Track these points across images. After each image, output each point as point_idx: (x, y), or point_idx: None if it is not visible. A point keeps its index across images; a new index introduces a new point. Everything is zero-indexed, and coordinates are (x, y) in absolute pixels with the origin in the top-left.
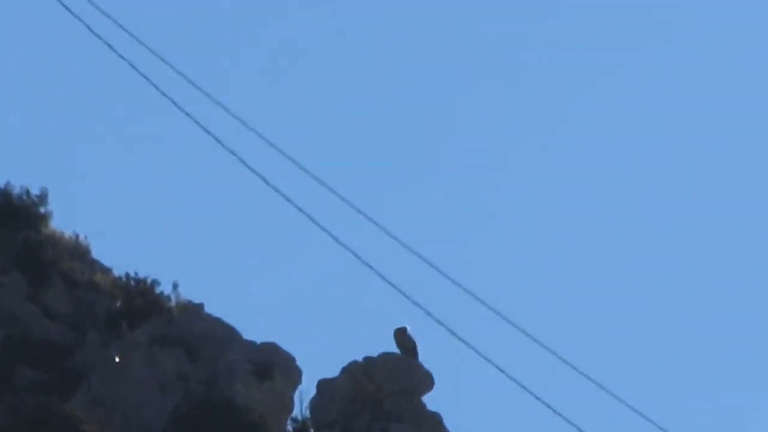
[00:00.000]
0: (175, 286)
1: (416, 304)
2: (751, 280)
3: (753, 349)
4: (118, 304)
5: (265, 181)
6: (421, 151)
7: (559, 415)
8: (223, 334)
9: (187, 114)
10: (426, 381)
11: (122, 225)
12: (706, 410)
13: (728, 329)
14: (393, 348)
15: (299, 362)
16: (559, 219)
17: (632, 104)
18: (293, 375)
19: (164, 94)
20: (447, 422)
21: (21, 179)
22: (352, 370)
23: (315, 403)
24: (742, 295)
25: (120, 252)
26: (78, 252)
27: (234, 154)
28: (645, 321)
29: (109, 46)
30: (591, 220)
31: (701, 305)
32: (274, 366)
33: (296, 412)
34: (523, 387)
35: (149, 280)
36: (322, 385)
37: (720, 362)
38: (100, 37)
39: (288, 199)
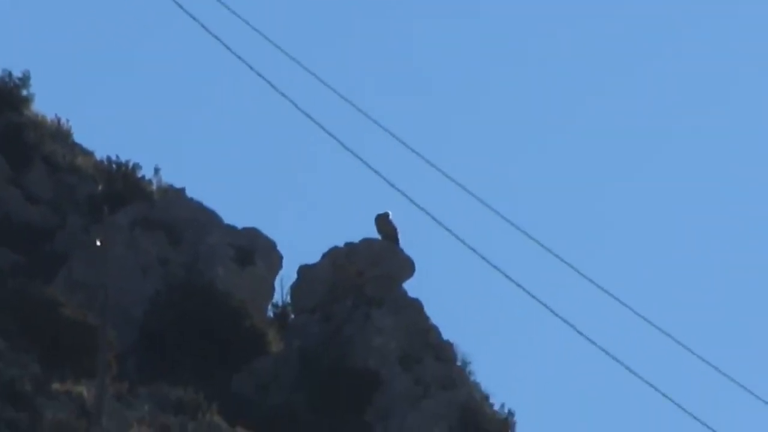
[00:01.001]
0: (156, 170)
1: (398, 190)
2: None
3: None
4: (100, 187)
5: (249, 66)
6: (408, 44)
7: (540, 302)
8: (204, 219)
9: None
10: (407, 267)
11: (104, 108)
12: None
13: None
14: (375, 234)
15: (280, 248)
16: (543, 103)
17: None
18: (274, 260)
19: None
20: (427, 309)
21: (3, 62)
22: (333, 255)
23: (296, 289)
24: None
25: (102, 135)
26: (60, 135)
27: (218, 39)
28: (630, 202)
29: None
30: (575, 104)
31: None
32: (255, 251)
33: (277, 298)
34: (504, 274)
35: (131, 164)
36: (303, 270)
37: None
38: None
39: (270, 84)
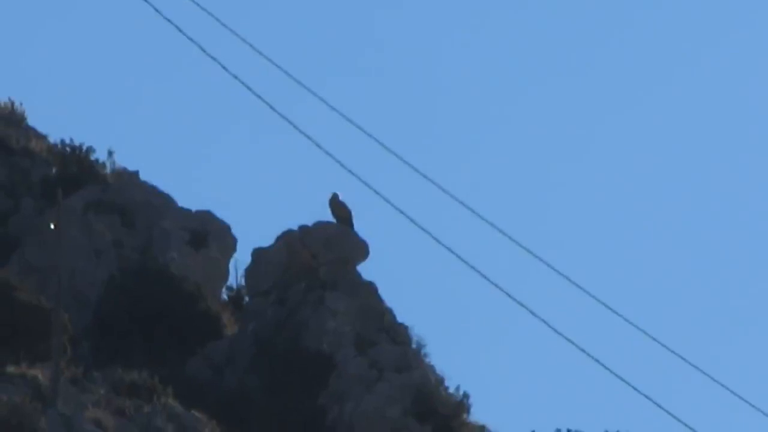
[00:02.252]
0: (110, 153)
1: (351, 172)
2: None
3: None
4: (54, 171)
5: (202, 50)
6: (365, 27)
7: (494, 284)
8: (158, 202)
9: None
10: (361, 250)
11: (58, 92)
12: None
13: None
14: (328, 217)
15: (234, 230)
16: (495, 88)
17: None
18: (228, 243)
19: None
20: (381, 291)
21: None
22: (287, 238)
23: (250, 272)
24: None
25: (55, 119)
26: (13, 119)
27: (169, 21)
28: (577, 180)
29: None
30: (526, 91)
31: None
32: (209, 234)
33: (231, 281)
34: (458, 256)
35: (84, 147)
36: (257, 253)
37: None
38: None
39: (222, 66)
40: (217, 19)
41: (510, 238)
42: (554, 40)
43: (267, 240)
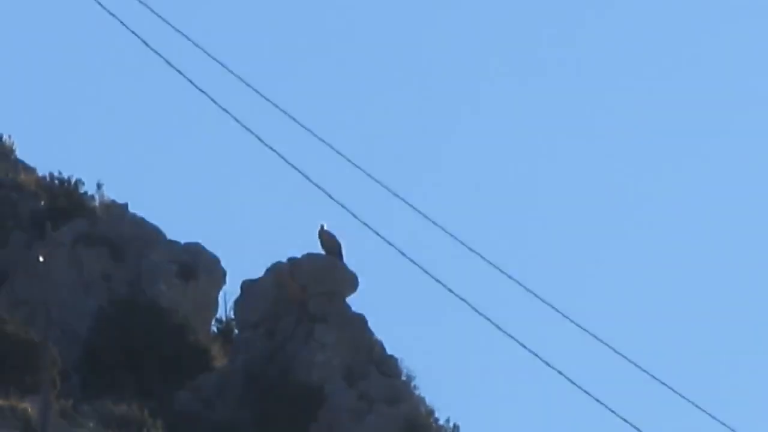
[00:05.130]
0: (99, 186)
1: (339, 204)
2: None
3: None
4: (42, 204)
5: (190, 81)
6: (333, 43)
7: (484, 316)
8: (147, 235)
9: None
10: (350, 282)
11: (46, 125)
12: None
13: None
14: (318, 249)
15: (223, 263)
16: (480, 102)
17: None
18: (217, 276)
19: None
20: (371, 324)
21: None
22: (276, 270)
23: (239, 304)
24: None
25: (44, 152)
26: (2, 152)
27: (158, 54)
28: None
29: None
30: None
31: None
32: (198, 266)
33: (221, 313)
34: (448, 288)
35: (73, 180)
36: (247, 285)
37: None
38: None
39: (212, 99)
40: (205, 51)
41: (500, 270)
42: (535, 39)
43: (256, 272)
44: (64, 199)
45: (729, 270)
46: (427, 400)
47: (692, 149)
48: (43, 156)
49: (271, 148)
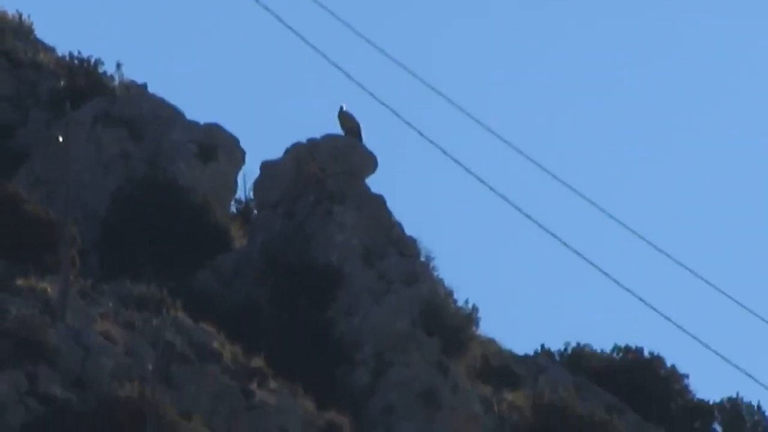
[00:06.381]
0: (118, 66)
1: (360, 85)
2: None
3: None
4: (62, 83)
5: None
6: None
7: (503, 197)
8: (166, 114)
9: None
10: (369, 163)
11: (66, 4)
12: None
13: None
14: (337, 130)
15: (243, 143)
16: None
17: None
18: (237, 156)
19: None
20: (390, 204)
21: None
22: (295, 151)
23: (258, 185)
24: None
25: (63, 31)
26: (21, 31)
27: None
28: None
29: None
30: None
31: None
32: (217, 147)
33: (240, 193)
34: (467, 169)
35: (93, 60)
36: (266, 166)
37: None
38: None
39: None
40: None
41: (517, 149)
42: None
43: (275, 153)
44: (83, 79)
45: None
46: (446, 282)
47: None
48: (63, 35)
49: (290, 28)
